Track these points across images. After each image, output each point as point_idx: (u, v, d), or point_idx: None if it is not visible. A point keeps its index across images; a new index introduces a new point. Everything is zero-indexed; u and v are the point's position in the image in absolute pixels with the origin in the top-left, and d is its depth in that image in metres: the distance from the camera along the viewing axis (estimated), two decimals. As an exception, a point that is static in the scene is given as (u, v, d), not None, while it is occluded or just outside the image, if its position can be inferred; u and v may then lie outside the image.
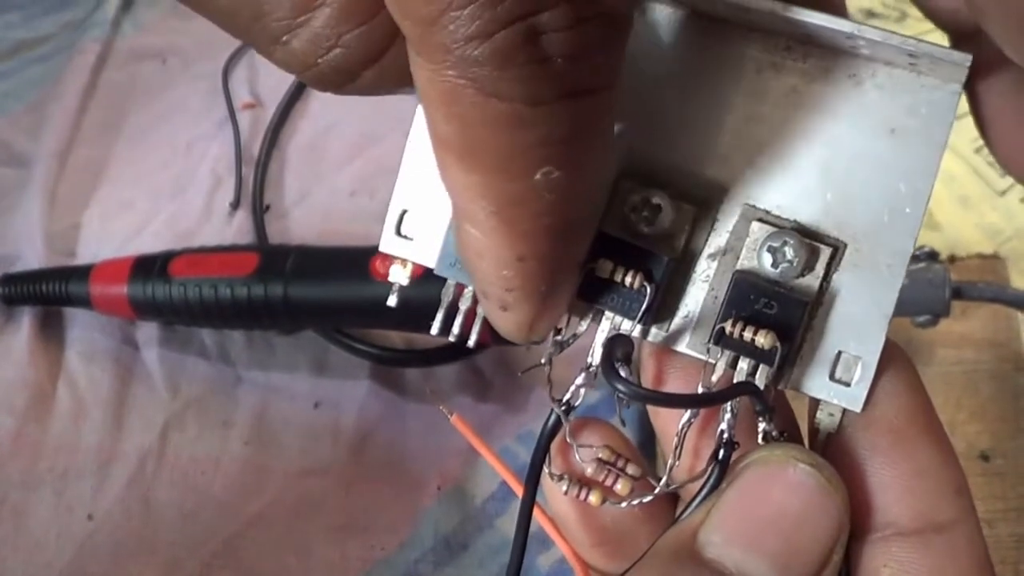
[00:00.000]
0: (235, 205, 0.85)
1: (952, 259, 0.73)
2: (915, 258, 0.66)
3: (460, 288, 0.36)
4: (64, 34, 1.00)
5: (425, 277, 0.64)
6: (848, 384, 0.32)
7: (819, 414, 0.32)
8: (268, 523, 0.66)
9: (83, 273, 0.73)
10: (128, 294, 0.70)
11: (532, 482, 0.36)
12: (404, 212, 0.36)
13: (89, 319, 0.75)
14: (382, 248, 0.36)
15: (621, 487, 0.34)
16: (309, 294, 0.68)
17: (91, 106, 0.94)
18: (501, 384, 0.72)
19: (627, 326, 0.33)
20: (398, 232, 0.36)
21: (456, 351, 0.71)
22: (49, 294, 0.74)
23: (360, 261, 0.67)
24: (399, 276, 0.37)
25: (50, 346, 0.75)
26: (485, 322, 0.61)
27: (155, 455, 0.69)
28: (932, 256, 0.67)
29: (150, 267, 0.70)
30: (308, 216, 0.85)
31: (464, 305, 0.36)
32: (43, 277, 0.75)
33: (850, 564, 0.32)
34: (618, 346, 0.32)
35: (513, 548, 0.36)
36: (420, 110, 0.30)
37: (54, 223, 0.83)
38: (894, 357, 0.32)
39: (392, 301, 0.37)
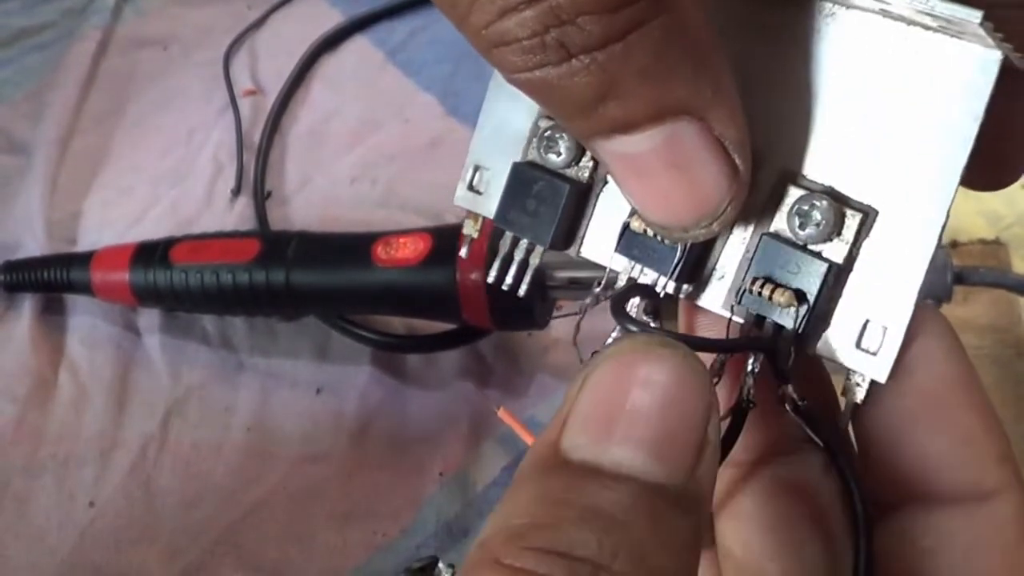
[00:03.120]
0: (236, 192, 0.85)
1: (954, 244, 0.73)
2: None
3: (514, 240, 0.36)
4: (64, 21, 0.99)
5: (425, 264, 0.65)
6: (874, 354, 0.31)
7: (846, 383, 0.32)
8: (270, 509, 0.66)
9: (84, 260, 0.73)
10: (129, 281, 0.70)
11: None
12: (477, 168, 0.37)
13: (90, 306, 0.75)
14: (456, 201, 0.37)
15: None
16: (311, 280, 0.68)
17: (92, 93, 0.93)
18: (503, 370, 0.72)
19: (661, 282, 0.33)
20: (471, 187, 0.37)
21: (457, 337, 0.71)
22: (50, 281, 0.74)
23: (362, 247, 0.67)
24: (470, 229, 0.38)
25: (51, 333, 0.75)
26: (487, 307, 0.60)
27: (157, 442, 0.69)
28: (934, 241, 0.67)
29: (151, 254, 0.70)
30: (309, 202, 0.84)
31: (518, 256, 0.36)
32: (44, 264, 0.75)
33: (889, 536, 0.32)
34: (637, 293, 0.33)
35: None
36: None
37: (55, 210, 0.83)
38: (932, 321, 0.32)
39: (463, 252, 0.39)
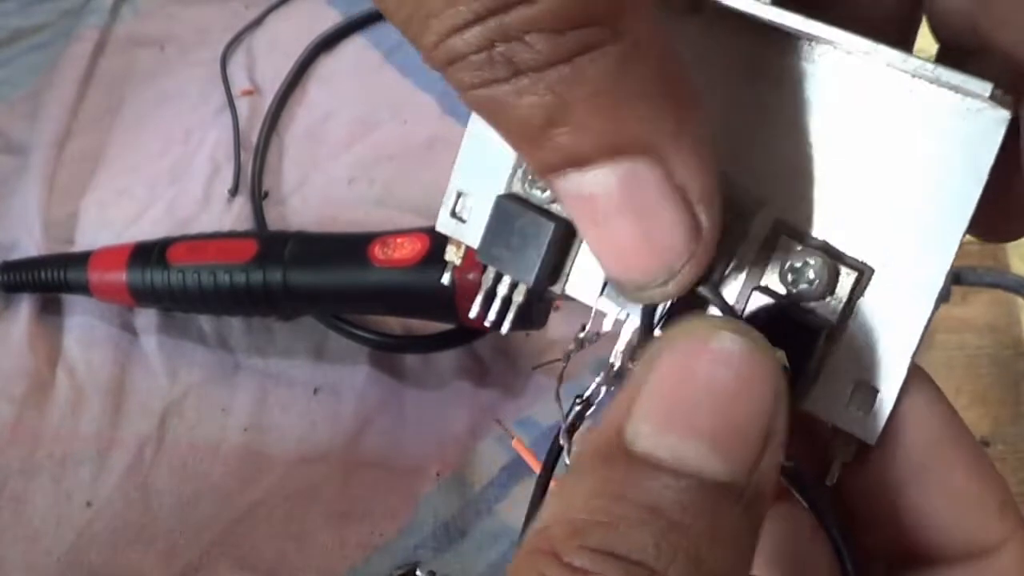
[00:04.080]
0: (233, 192, 0.84)
1: (952, 245, 0.73)
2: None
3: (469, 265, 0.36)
4: (61, 21, 0.99)
5: (423, 264, 0.65)
6: (865, 415, 0.30)
7: (836, 440, 0.31)
8: (267, 510, 0.66)
9: (82, 260, 0.73)
10: (127, 281, 0.70)
11: (541, 487, 0.35)
12: (460, 194, 0.36)
13: (88, 306, 0.75)
14: (438, 228, 0.36)
15: None
16: (308, 280, 0.68)
17: (89, 93, 0.93)
18: (500, 370, 0.72)
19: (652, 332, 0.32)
20: (453, 213, 0.36)
21: (455, 337, 0.71)
22: (47, 281, 0.74)
23: (359, 247, 0.67)
24: (452, 256, 0.37)
25: (49, 333, 0.75)
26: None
27: (154, 442, 0.69)
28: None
29: (148, 254, 0.70)
30: (307, 203, 0.84)
31: (501, 291, 0.35)
32: (41, 264, 0.75)
33: None
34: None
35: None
36: None
37: (52, 210, 0.83)
38: (917, 379, 0.30)
39: (446, 280, 0.38)
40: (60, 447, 0.69)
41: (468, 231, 0.36)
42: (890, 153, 0.30)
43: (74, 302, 0.76)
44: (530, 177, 0.33)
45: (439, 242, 0.65)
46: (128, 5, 1.00)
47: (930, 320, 0.30)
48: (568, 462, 0.34)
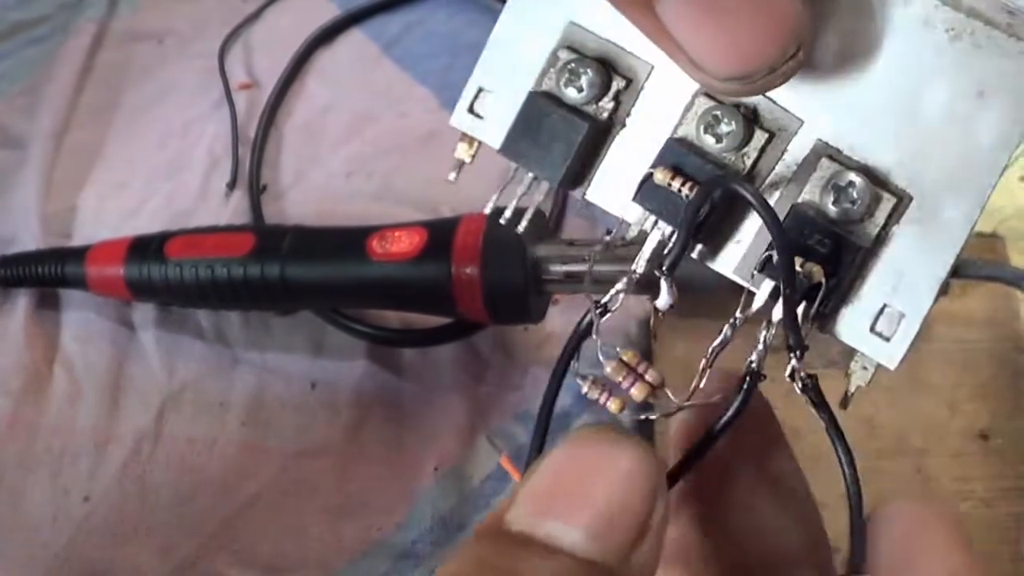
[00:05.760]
0: (231, 186, 0.84)
1: (951, 238, 0.73)
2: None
3: None
4: (60, 15, 0.99)
5: (421, 257, 0.65)
6: (888, 339, 0.31)
7: (853, 364, 0.32)
8: (264, 504, 0.66)
9: (79, 254, 0.73)
10: (124, 275, 0.70)
11: (558, 377, 0.36)
12: (480, 90, 0.36)
13: (85, 300, 0.75)
14: (452, 122, 0.36)
15: (636, 391, 0.32)
16: (306, 274, 0.68)
17: (87, 87, 0.93)
18: (498, 364, 0.72)
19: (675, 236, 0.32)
20: (471, 109, 0.36)
21: (453, 331, 0.71)
22: (45, 275, 0.74)
23: (357, 241, 0.67)
24: (463, 153, 0.36)
25: (46, 327, 0.75)
26: (482, 301, 0.60)
27: (151, 436, 0.69)
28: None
29: (146, 248, 0.70)
30: (305, 196, 0.84)
31: (520, 190, 0.35)
32: (39, 259, 0.75)
33: None
34: (728, 185, 0.31)
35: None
36: None
37: (50, 204, 0.83)
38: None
39: (452, 177, 0.37)
40: (57, 441, 0.68)
41: (486, 128, 0.35)
42: (938, 86, 0.31)
43: (72, 296, 0.76)
44: (567, 75, 0.34)
45: (437, 236, 0.65)
46: (126, -1, 1.01)
47: (959, 255, 0.31)
48: (601, 358, 0.34)
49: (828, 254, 0.31)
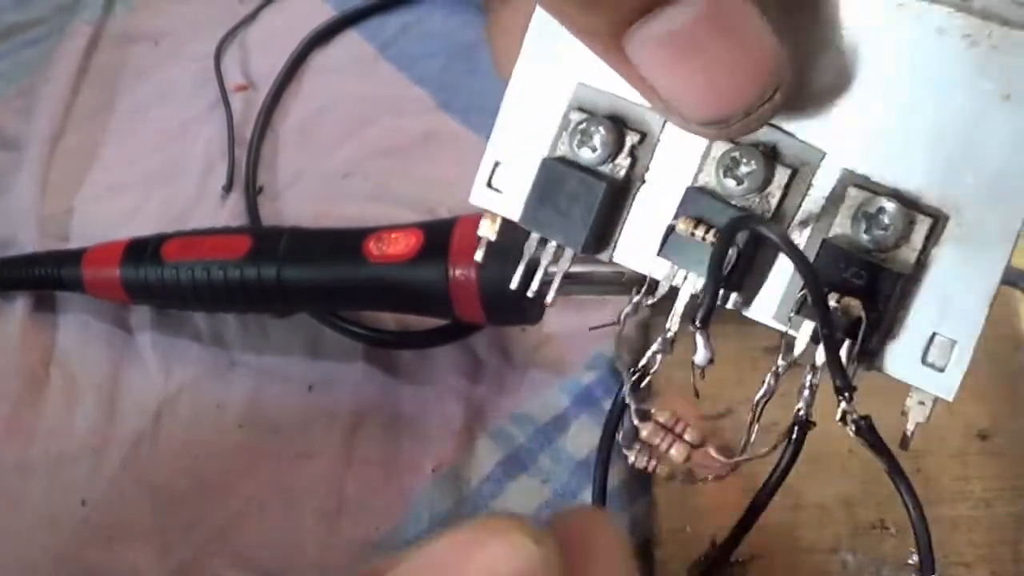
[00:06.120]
0: (228, 187, 0.84)
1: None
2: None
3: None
4: (55, 17, 0.99)
5: (418, 259, 0.64)
6: (941, 370, 0.30)
7: (908, 400, 0.31)
8: (262, 506, 0.66)
9: (76, 257, 0.72)
10: (121, 277, 0.70)
11: (606, 448, 0.35)
12: (496, 164, 0.35)
13: (82, 303, 0.75)
14: (472, 200, 0.36)
15: (676, 453, 0.32)
16: (303, 276, 0.68)
17: (83, 89, 0.93)
18: (495, 366, 0.71)
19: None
20: (489, 184, 0.35)
21: (449, 333, 0.71)
22: (41, 278, 0.73)
23: (354, 243, 0.67)
24: (487, 231, 0.36)
25: (43, 330, 0.74)
26: (479, 302, 0.60)
27: (149, 439, 0.69)
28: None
29: (143, 250, 0.70)
30: (301, 198, 0.84)
31: (545, 260, 0.35)
32: (35, 261, 0.75)
33: None
34: (750, 226, 0.30)
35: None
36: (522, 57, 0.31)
37: (46, 207, 0.83)
38: None
39: (479, 256, 0.37)
40: (54, 444, 0.68)
41: (505, 202, 0.35)
42: (962, 96, 0.29)
43: (68, 299, 0.75)
44: (579, 136, 0.33)
45: (433, 237, 0.65)
46: (121, 1, 1.00)
47: (1006, 268, 0.29)
48: (636, 421, 0.33)
49: (866, 286, 0.29)
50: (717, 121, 0.28)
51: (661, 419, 0.32)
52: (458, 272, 0.63)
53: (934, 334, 0.30)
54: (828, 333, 0.29)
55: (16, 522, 0.65)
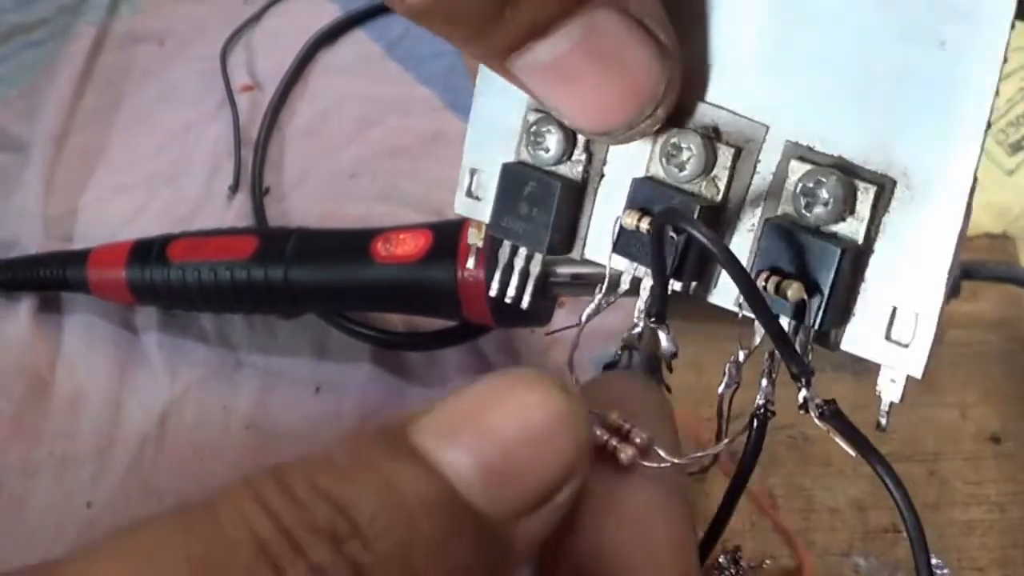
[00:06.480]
0: (234, 188, 0.84)
1: (960, 239, 0.72)
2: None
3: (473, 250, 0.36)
4: (59, 17, 0.99)
5: (426, 260, 0.64)
6: (907, 345, 0.28)
7: (880, 379, 0.29)
8: (269, 509, 0.65)
9: (81, 258, 0.72)
10: (127, 278, 0.70)
11: None
12: (473, 171, 0.35)
13: (87, 304, 0.74)
14: (456, 210, 0.35)
15: (623, 455, 0.30)
16: (309, 277, 0.67)
17: (88, 90, 0.93)
18: (503, 367, 0.71)
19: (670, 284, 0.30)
20: (469, 193, 0.35)
21: (458, 334, 0.71)
22: (47, 279, 0.73)
23: (361, 243, 0.66)
24: (475, 239, 0.36)
25: (48, 331, 0.74)
26: (488, 303, 0.59)
27: (154, 441, 0.68)
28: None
29: (148, 251, 0.70)
30: (308, 198, 0.84)
31: (518, 264, 0.34)
32: (41, 262, 0.74)
33: None
34: (672, 219, 0.29)
35: None
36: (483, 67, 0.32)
37: (51, 208, 0.82)
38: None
39: (470, 264, 0.37)
40: (60, 446, 0.68)
41: (485, 209, 0.34)
42: (896, 47, 0.28)
43: (74, 300, 0.75)
44: (534, 138, 0.32)
45: (442, 238, 0.64)
46: (126, 1, 1.00)
47: (964, 230, 0.28)
48: None
49: (812, 265, 0.28)
50: (602, 134, 0.30)
51: (610, 419, 0.31)
52: (467, 273, 0.63)
53: (895, 308, 0.28)
54: (765, 319, 0.28)
55: (21, 524, 0.64)
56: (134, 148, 0.88)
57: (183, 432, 0.69)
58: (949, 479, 0.60)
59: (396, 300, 0.67)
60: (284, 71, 0.92)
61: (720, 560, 0.44)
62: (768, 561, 0.56)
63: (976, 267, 0.64)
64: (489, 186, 0.34)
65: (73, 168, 0.86)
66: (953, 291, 0.63)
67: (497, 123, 0.34)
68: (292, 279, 0.67)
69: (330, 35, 0.96)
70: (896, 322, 0.28)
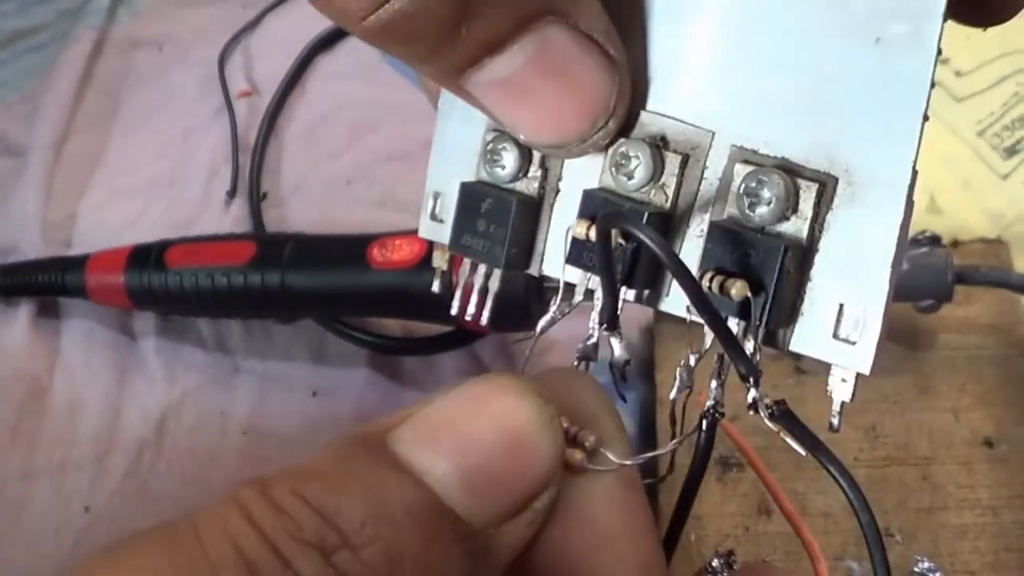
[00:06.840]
0: (232, 193, 0.84)
1: (955, 243, 0.72)
2: (917, 243, 0.65)
3: (458, 264, 0.35)
4: (59, 22, 0.99)
5: (422, 265, 0.64)
6: (854, 343, 0.28)
7: (831, 379, 0.29)
8: (266, 514, 0.65)
9: (79, 263, 0.72)
10: (125, 284, 0.70)
11: None
12: (437, 195, 0.35)
13: (86, 309, 0.75)
14: (421, 234, 0.36)
15: (569, 457, 0.31)
16: (306, 282, 0.67)
17: (87, 95, 0.93)
18: (500, 372, 0.71)
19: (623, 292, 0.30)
20: (433, 216, 0.35)
21: (454, 339, 0.71)
22: (45, 284, 0.73)
23: (357, 249, 0.67)
24: (440, 262, 0.36)
25: (47, 337, 0.74)
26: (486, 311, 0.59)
27: (152, 446, 0.68)
28: (935, 241, 0.66)
29: (146, 256, 0.70)
30: (305, 204, 0.84)
31: (478, 282, 0.35)
32: (39, 267, 0.75)
33: None
34: (616, 223, 0.29)
35: None
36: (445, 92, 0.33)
37: (50, 213, 0.83)
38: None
39: (436, 287, 0.37)
40: (58, 452, 0.68)
41: (446, 231, 0.35)
42: (834, 45, 0.28)
43: (72, 305, 0.75)
44: (490, 156, 0.33)
45: (438, 244, 0.65)
46: (125, 6, 1.00)
47: (906, 223, 0.28)
48: None
49: (756, 265, 0.28)
50: (556, 147, 0.30)
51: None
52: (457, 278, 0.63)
53: (841, 306, 0.28)
54: (710, 319, 0.28)
55: (19, 530, 0.65)
56: (133, 153, 0.89)
57: (181, 437, 0.69)
58: (942, 483, 0.60)
59: (392, 305, 0.67)
60: (282, 76, 0.92)
61: (714, 564, 0.44)
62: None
63: (970, 272, 0.64)
64: (450, 208, 0.34)
65: (72, 173, 0.86)
66: (946, 296, 0.64)
67: (459, 146, 0.34)
68: (289, 284, 0.67)
69: (328, 41, 0.96)
70: (843, 320, 0.28)
